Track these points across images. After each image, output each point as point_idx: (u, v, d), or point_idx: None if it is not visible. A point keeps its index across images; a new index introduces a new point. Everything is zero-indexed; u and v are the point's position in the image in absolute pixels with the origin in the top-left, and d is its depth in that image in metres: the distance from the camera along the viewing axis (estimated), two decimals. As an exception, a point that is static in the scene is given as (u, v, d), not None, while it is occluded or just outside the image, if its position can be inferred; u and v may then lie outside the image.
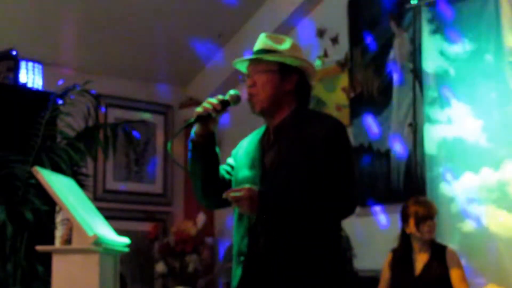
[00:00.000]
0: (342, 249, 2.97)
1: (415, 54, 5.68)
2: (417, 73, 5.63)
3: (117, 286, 3.61)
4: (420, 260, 4.69)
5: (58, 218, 5.22)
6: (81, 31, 6.70)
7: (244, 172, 3.01)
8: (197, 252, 6.98)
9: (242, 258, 2.89)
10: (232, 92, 3.03)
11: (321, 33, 6.74)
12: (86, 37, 6.78)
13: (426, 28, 5.57)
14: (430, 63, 5.51)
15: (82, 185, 4.98)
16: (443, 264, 4.63)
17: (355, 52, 6.34)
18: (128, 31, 6.88)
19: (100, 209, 3.91)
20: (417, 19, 5.65)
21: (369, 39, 6.22)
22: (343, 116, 6.22)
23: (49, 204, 4.85)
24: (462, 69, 5.34)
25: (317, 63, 3.14)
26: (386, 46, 6.06)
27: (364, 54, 6.25)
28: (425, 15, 5.58)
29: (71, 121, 5.38)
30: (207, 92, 7.69)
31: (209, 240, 7.20)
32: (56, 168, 4.87)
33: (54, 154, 5.14)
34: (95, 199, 6.81)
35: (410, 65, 5.76)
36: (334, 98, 6.48)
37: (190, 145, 3.02)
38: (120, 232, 3.77)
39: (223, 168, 3.11)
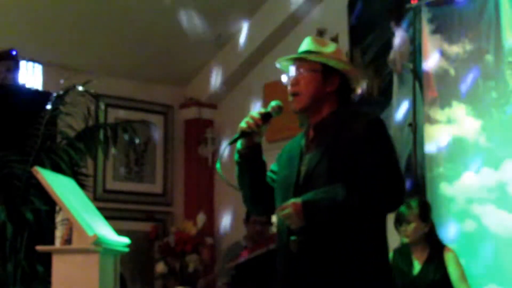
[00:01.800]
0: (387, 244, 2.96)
1: (415, 54, 5.68)
2: (417, 73, 5.63)
3: (117, 286, 3.61)
4: (419, 260, 4.69)
5: (58, 218, 5.22)
6: (81, 31, 6.70)
7: (283, 171, 3.07)
8: (197, 252, 6.98)
9: (285, 254, 2.94)
10: (273, 103, 3.07)
11: (321, 33, 6.74)
12: (86, 37, 6.78)
13: (426, 28, 5.56)
14: (430, 63, 5.50)
15: (82, 185, 4.98)
16: (441, 264, 4.63)
17: (355, 52, 6.34)
18: (128, 31, 6.88)
19: (100, 209, 3.91)
20: (417, 19, 5.65)
21: (369, 39, 6.22)
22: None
23: (49, 204, 4.85)
24: (462, 69, 5.34)
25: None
26: (386, 46, 6.06)
27: (364, 54, 6.26)
28: (425, 15, 5.58)
29: (71, 121, 5.38)
30: (207, 92, 7.70)
31: (209, 240, 7.20)
32: (56, 168, 4.87)
33: (54, 154, 5.14)
34: (95, 199, 6.80)
35: (410, 65, 5.76)
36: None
37: (236, 157, 3.09)
38: (120, 232, 3.77)
39: (268, 176, 3.16)
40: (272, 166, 3.20)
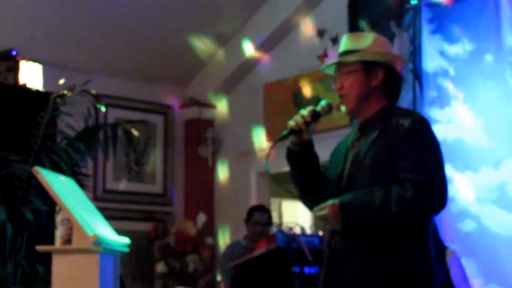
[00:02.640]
0: (431, 249, 2.91)
1: (415, 54, 5.68)
2: (417, 73, 5.63)
3: (117, 286, 3.61)
4: None
5: (58, 218, 5.22)
6: (81, 31, 6.70)
7: (332, 169, 3.07)
8: (197, 252, 6.98)
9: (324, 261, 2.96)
10: (323, 102, 3.07)
11: (321, 33, 6.74)
12: (86, 37, 6.78)
13: (426, 28, 5.56)
14: (430, 63, 5.50)
15: (82, 185, 4.98)
16: (444, 265, 4.63)
17: (355, 52, 6.33)
18: (128, 31, 6.88)
19: (100, 209, 3.91)
20: (417, 19, 5.65)
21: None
22: (343, 116, 6.20)
23: (49, 204, 4.85)
24: (462, 69, 5.34)
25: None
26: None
27: (364, 54, 6.24)
28: (425, 15, 5.58)
29: (71, 121, 5.38)
30: (207, 92, 7.70)
31: (209, 240, 7.20)
32: (56, 168, 4.87)
33: (54, 154, 5.14)
34: (95, 199, 6.80)
35: (410, 65, 5.76)
36: (334, 98, 6.46)
37: (286, 154, 3.09)
38: (120, 232, 3.77)
39: (322, 173, 3.15)
40: (326, 163, 3.20)
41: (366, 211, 2.78)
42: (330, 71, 3.12)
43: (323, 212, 2.85)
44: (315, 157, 3.10)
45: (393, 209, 2.74)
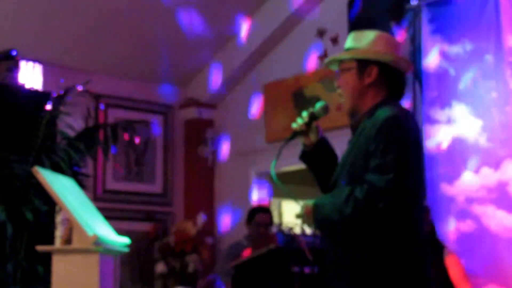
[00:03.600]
0: (418, 249, 2.83)
1: (415, 54, 5.68)
2: (417, 73, 5.63)
3: (117, 286, 3.61)
4: None
5: (58, 218, 5.23)
6: (81, 31, 6.70)
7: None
8: (197, 252, 6.98)
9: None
10: (318, 104, 3.15)
11: (321, 33, 6.74)
12: (86, 37, 6.78)
13: (426, 28, 5.56)
14: (430, 63, 5.50)
15: (82, 185, 4.99)
16: (442, 265, 4.63)
17: (355, 52, 6.33)
18: (128, 31, 6.88)
19: (100, 209, 3.92)
20: (417, 19, 5.65)
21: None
22: (343, 116, 6.21)
23: (49, 204, 4.86)
24: (462, 69, 5.34)
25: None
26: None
27: (364, 54, 6.24)
28: (425, 15, 5.58)
29: (71, 121, 5.38)
30: (207, 92, 7.70)
31: (209, 240, 7.20)
32: (56, 168, 4.87)
33: (54, 154, 5.14)
34: (95, 199, 6.80)
35: (410, 65, 5.76)
36: (334, 98, 6.46)
37: (300, 156, 3.19)
38: (120, 232, 3.77)
39: None
40: None
41: (330, 213, 2.82)
42: (335, 68, 3.15)
43: (301, 212, 2.93)
44: (330, 157, 3.15)
45: (348, 211, 2.75)
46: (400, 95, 3.04)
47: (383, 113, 2.85)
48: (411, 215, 2.79)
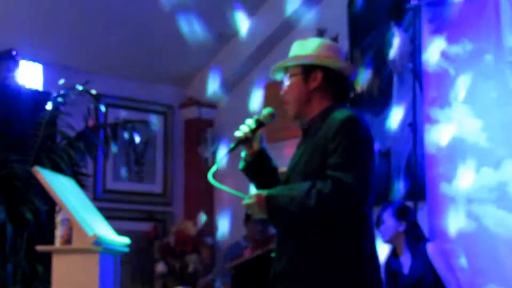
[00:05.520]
0: (367, 246, 2.93)
1: (415, 54, 5.68)
2: (417, 73, 5.62)
3: (117, 286, 3.62)
4: (407, 259, 4.74)
5: (58, 218, 5.23)
6: (81, 31, 6.70)
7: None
8: (197, 252, 6.98)
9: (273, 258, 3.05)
10: (264, 111, 3.15)
11: (321, 33, 6.74)
12: (86, 37, 6.78)
13: (426, 28, 5.56)
14: (430, 63, 5.50)
15: (82, 185, 4.99)
16: (426, 258, 4.67)
17: (355, 52, 6.34)
18: (128, 31, 6.88)
19: (100, 209, 3.92)
20: (417, 19, 5.65)
21: (369, 39, 6.22)
22: (343, 116, 6.20)
23: (49, 204, 4.86)
24: (462, 69, 5.34)
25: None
26: (386, 46, 6.05)
27: (364, 54, 6.25)
28: (425, 15, 5.58)
29: (71, 121, 5.39)
30: (207, 92, 7.70)
31: (209, 240, 7.20)
32: (56, 168, 4.88)
33: (54, 154, 5.15)
34: (95, 199, 6.80)
35: (410, 65, 5.76)
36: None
37: (240, 166, 3.19)
38: (120, 232, 3.78)
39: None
40: None
41: (288, 204, 2.86)
42: (279, 77, 3.18)
43: (248, 201, 2.94)
44: (271, 166, 3.18)
45: (311, 204, 2.81)
46: (344, 99, 3.13)
47: (340, 114, 2.94)
48: (368, 207, 2.94)
